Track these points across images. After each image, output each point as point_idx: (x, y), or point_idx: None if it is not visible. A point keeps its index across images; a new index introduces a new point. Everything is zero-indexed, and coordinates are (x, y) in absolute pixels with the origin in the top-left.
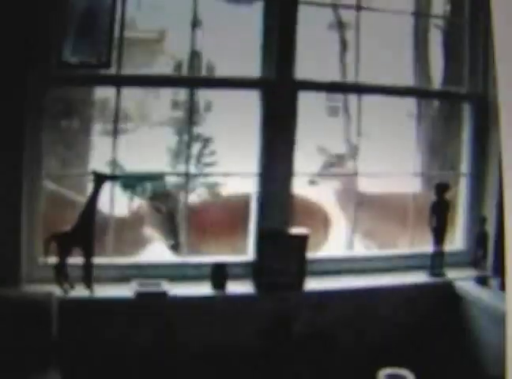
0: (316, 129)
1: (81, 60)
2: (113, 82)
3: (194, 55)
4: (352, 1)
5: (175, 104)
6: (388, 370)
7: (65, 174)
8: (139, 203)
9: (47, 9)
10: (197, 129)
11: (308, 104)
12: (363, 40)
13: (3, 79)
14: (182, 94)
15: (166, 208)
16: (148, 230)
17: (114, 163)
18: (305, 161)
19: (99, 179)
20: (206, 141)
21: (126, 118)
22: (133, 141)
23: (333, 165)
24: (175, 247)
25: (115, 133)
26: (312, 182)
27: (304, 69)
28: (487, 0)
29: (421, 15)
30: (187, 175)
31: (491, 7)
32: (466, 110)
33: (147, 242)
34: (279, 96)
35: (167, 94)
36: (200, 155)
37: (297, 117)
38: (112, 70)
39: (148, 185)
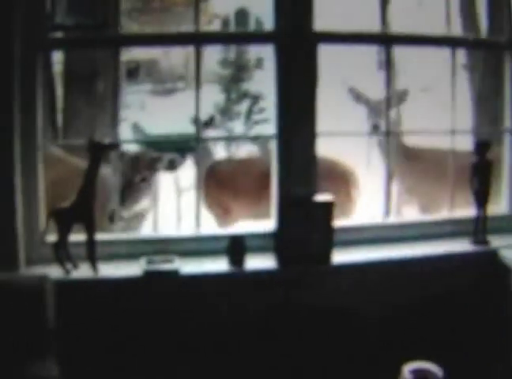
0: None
1: (76, 21)
2: (111, 43)
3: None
4: None
5: (224, 62)
6: (413, 365)
7: (68, 143)
8: None
9: None
10: (247, 86)
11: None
12: None
13: None
14: (231, 51)
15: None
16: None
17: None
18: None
19: (97, 149)
20: (255, 99)
21: (172, 77)
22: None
23: (376, 125)
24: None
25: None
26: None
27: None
28: None
29: None
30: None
31: None
32: (507, 61)
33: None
34: (296, 50)
35: (213, 52)
36: (249, 112)
37: (317, 72)
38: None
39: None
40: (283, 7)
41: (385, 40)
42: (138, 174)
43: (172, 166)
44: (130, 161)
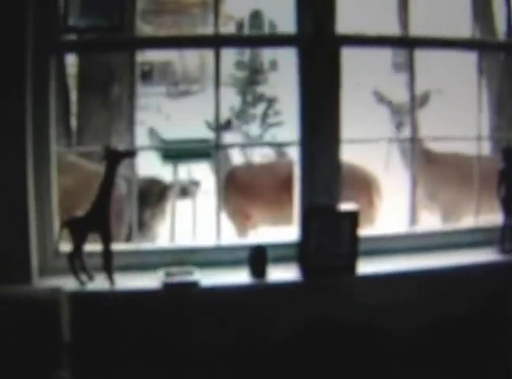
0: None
1: (90, 23)
2: (127, 46)
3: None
4: None
5: (239, 64)
6: None
7: (82, 149)
8: None
9: None
10: (261, 89)
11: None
12: None
13: None
14: (246, 54)
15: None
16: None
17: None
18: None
19: (114, 157)
20: (270, 101)
21: (187, 80)
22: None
23: (400, 122)
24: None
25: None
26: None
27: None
28: None
29: None
30: (218, 145)
31: None
32: None
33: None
34: (318, 53)
35: (227, 54)
36: (265, 115)
37: (341, 75)
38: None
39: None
40: (305, 10)
41: (408, 43)
42: (148, 210)
43: (185, 193)
44: (139, 196)
